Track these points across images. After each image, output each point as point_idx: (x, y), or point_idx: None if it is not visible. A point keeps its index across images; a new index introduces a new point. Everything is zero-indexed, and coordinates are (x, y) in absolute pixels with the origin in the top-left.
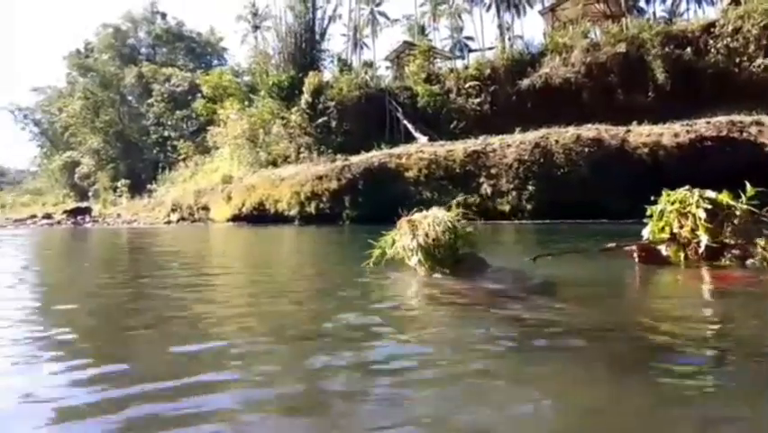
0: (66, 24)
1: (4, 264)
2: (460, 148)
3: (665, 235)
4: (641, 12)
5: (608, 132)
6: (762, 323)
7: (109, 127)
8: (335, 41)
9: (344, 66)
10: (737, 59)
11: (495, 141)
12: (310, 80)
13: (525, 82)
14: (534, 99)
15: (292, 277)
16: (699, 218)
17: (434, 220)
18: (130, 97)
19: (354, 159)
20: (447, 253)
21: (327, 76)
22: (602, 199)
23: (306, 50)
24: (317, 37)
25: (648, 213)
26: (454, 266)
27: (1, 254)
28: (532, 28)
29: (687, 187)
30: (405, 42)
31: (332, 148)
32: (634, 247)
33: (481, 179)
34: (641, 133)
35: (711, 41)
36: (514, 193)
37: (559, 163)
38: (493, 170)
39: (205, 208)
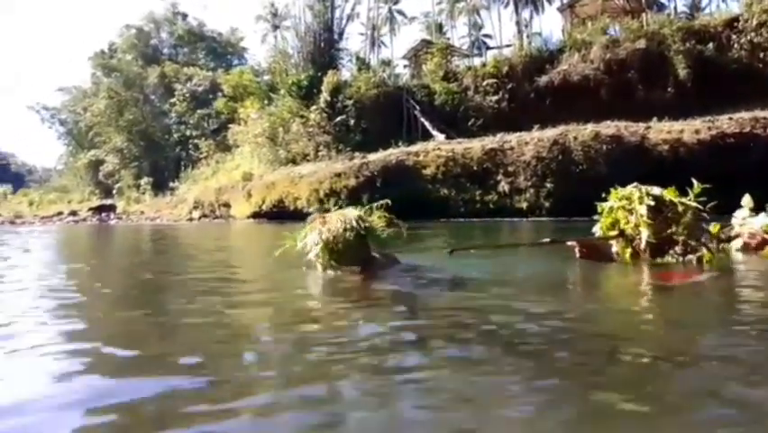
0: (90, 26)
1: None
2: (477, 146)
3: (614, 232)
4: (661, 7)
5: (628, 129)
6: (673, 325)
7: (132, 126)
8: (353, 40)
9: (362, 64)
10: (761, 54)
11: (513, 138)
12: (329, 79)
13: (544, 79)
14: (553, 96)
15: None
16: (641, 215)
17: (339, 218)
18: (153, 97)
19: (372, 156)
20: (347, 251)
21: (346, 75)
22: None
23: (324, 49)
24: (336, 36)
25: (599, 210)
26: (357, 264)
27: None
28: (550, 25)
29: (635, 184)
30: (422, 41)
31: (350, 146)
32: (574, 243)
33: (499, 177)
34: (661, 130)
35: (734, 36)
36: (532, 191)
37: (577, 161)
38: (511, 168)
39: (226, 205)
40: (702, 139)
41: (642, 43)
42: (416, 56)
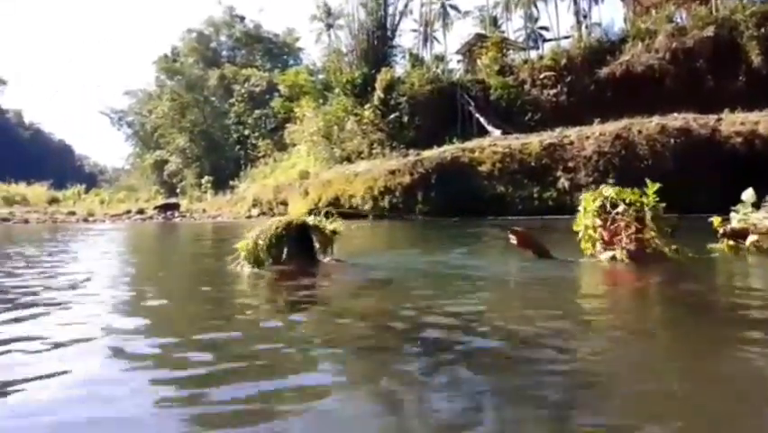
0: (155, 32)
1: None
2: (535, 141)
3: (578, 228)
4: None
5: (697, 121)
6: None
7: (194, 127)
8: (406, 37)
9: (416, 61)
10: None
11: (572, 133)
12: (382, 76)
13: (605, 71)
14: (615, 88)
15: None
16: (595, 212)
17: (272, 223)
18: (213, 98)
19: (426, 153)
20: (269, 252)
21: (399, 71)
22: (691, 193)
23: (377, 46)
24: (389, 33)
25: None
26: (293, 263)
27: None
28: (611, 14)
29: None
30: (477, 35)
31: (404, 143)
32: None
33: (558, 173)
34: (734, 122)
35: None
36: (593, 187)
37: (642, 155)
38: (571, 164)
39: (284, 203)
40: None
41: (711, 30)
42: (469, 51)
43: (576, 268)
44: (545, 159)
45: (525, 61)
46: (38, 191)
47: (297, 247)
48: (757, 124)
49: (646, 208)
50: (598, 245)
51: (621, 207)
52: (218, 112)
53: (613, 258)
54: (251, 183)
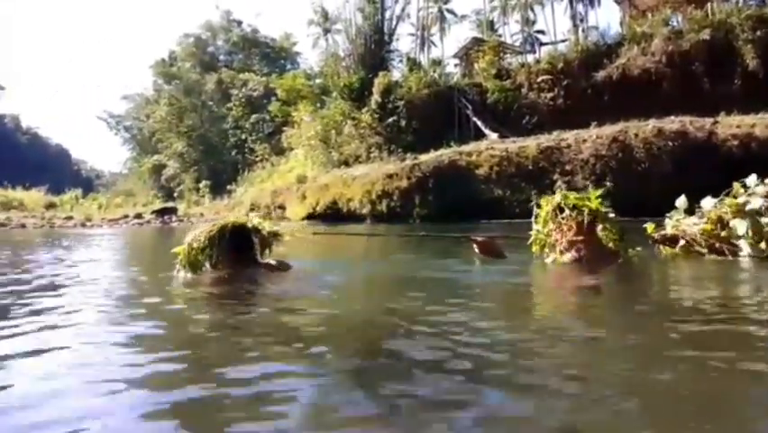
0: (152, 36)
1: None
2: (532, 144)
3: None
4: None
5: (693, 124)
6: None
7: (192, 131)
8: (403, 41)
9: (413, 65)
10: None
11: (569, 136)
12: (379, 80)
13: (601, 74)
14: (611, 92)
15: None
16: (548, 217)
17: (207, 226)
18: (210, 102)
19: (424, 157)
20: (203, 256)
21: (396, 75)
22: (688, 196)
23: (375, 50)
24: (386, 37)
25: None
26: (233, 267)
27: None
28: (607, 18)
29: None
30: (474, 39)
31: (402, 147)
32: (474, 240)
33: (555, 176)
34: (730, 125)
35: None
36: (590, 190)
37: (639, 158)
38: (568, 167)
39: (282, 207)
40: None
41: (707, 34)
42: (467, 54)
43: (524, 270)
44: (542, 162)
45: (522, 65)
46: (35, 196)
47: (234, 250)
48: (753, 127)
49: (585, 212)
50: (548, 248)
51: (566, 212)
52: (216, 116)
53: (558, 260)
54: (249, 187)
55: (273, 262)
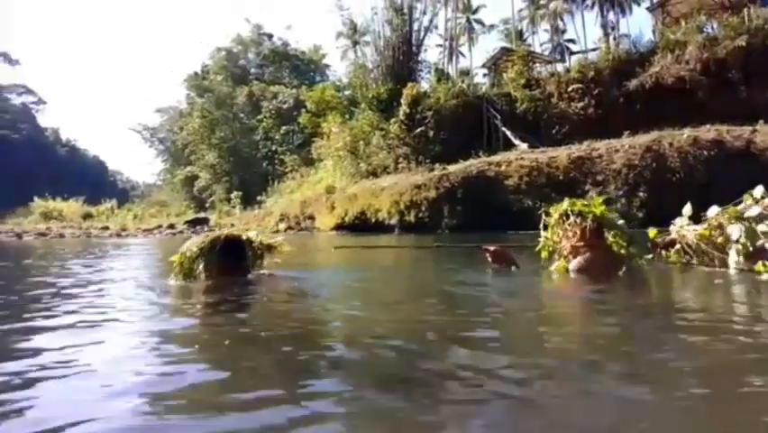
0: (186, 51)
1: None
2: (563, 154)
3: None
4: (766, 1)
5: (731, 132)
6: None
7: (223, 143)
8: (431, 52)
9: (441, 75)
10: None
11: (601, 146)
12: (407, 91)
13: (634, 83)
14: (644, 101)
15: None
16: (556, 225)
17: (202, 237)
18: (241, 114)
19: (452, 168)
20: (196, 265)
21: (424, 86)
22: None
23: (403, 62)
24: (414, 49)
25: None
26: (230, 273)
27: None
28: (639, 26)
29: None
30: (502, 48)
31: (430, 157)
32: (486, 249)
33: (587, 187)
34: None
35: None
36: (623, 201)
37: (674, 168)
38: (599, 177)
39: (311, 218)
40: None
41: (743, 40)
42: (495, 64)
43: (532, 277)
44: (573, 172)
45: (552, 74)
46: (73, 207)
47: (227, 261)
48: None
49: (589, 218)
50: (557, 255)
51: (572, 219)
52: (247, 128)
53: (566, 267)
54: (279, 198)
55: (266, 272)
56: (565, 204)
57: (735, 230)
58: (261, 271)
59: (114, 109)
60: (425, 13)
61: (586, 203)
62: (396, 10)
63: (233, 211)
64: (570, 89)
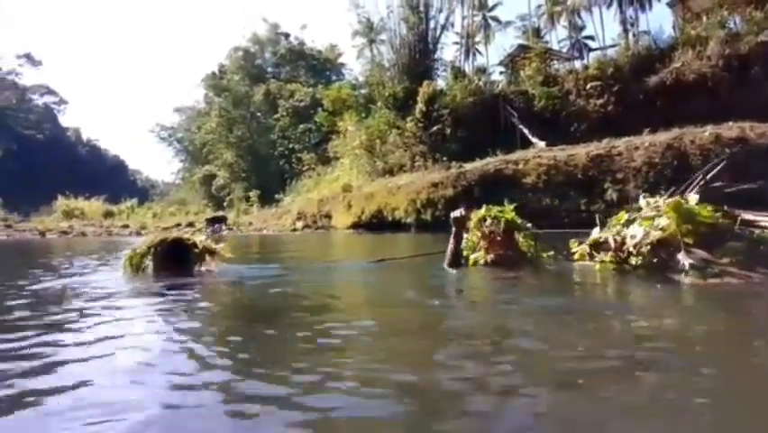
0: (204, 50)
1: None
2: (582, 152)
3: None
4: None
5: (754, 129)
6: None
7: (241, 142)
8: (448, 50)
9: (458, 73)
10: None
11: (620, 143)
12: (424, 89)
13: (654, 79)
14: (665, 97)
15: None
16: (476, 226)
17: (151, 236)
18: (258, 113)
19: (469, 166)
20: (144, 261)
21: (440, 84)
22: (746, 205)
23: (419, 60)
24: (430, 47)
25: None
26: (174, 272)
27: None
28: (659, 22)
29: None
30: (519, 45)
31: (446, 155)
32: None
33: (606, 185)
34: None
35: None
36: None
37: (696, 166)
38: (619, 175)
39: (328, 216)
40: None
41: (767, 35)
42: (512, 62)
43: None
44: (592, 170)
45: (570, 71)
46: (94, 206)
47: (171, 259)
48: None
49: (502, 221)
50: (476, 250)
51: (488, 222)
52: (264, 127)
53: (482, 261)
54: (296, 196)
55: (203, 269)
56: (482, 210)
57: (638, 231)
58: (207, 268)
59: (134, 109)
60: (441, 10)
61: (500, 209)
62: (412, 8)
63: (251, 210)
64: (588, 86)
